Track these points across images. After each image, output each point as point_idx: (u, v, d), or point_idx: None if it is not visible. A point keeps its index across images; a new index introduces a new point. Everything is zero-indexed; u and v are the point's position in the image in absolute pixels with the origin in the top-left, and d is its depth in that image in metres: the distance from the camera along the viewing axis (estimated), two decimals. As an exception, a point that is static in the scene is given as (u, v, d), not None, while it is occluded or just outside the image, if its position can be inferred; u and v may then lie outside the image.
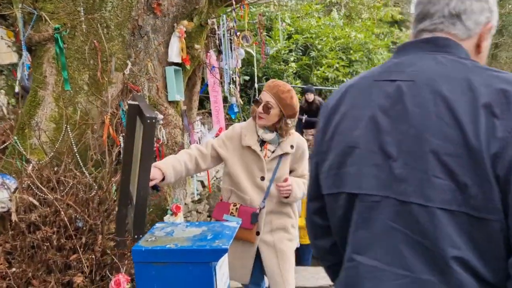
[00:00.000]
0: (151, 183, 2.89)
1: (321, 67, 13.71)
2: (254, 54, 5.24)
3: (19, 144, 3.62)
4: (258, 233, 3.35)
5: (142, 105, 2.95)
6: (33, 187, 3.37)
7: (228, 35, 4.53)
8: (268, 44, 5.28)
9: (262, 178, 3.30)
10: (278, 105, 3.21)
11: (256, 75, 12.65)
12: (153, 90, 4.08)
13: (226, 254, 2.28)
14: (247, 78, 12.53)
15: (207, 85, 4.94)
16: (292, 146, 3.37)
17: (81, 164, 3.55)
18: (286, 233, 3.44)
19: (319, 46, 14.05)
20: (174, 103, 4.27)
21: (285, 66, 13.23)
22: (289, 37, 13.79)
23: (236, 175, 3.30)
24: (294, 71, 13.55)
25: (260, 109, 3.25)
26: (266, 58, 5.46)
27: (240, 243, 3.32)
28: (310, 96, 10.02)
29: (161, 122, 3.90)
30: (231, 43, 4.56)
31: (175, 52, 4.06)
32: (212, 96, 4.84)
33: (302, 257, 5.72)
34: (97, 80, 3.90)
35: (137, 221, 2.81)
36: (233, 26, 4.57)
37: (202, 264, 2.32)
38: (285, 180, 3.30)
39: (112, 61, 3.76)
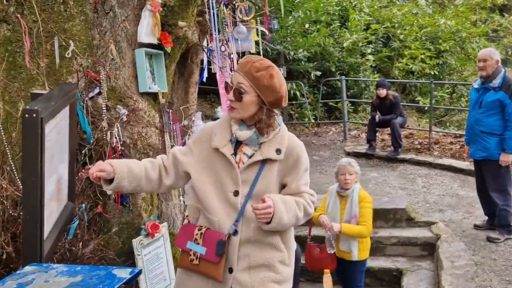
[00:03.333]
0: (100, 174, 2.23)
1: (403, 59, 12.22)
2: (259, 33, 4.17)
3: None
4: (231, 270, 2.37)
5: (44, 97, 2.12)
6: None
7: (219, 7, 3.58)
8: (273, 16, 4.25)
9: (236, 193, 2.35)
10: (253, 88, 2.24)
11: (328, 70, 11.57)
12: (121, 79, 3.24)
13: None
14: (318, 73, 11.46)
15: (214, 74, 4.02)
16: (278, 151, 2.36)
17: (14, 172, 2.81)
18: (272, 272, 2.42)
19: (401, 36, 12.54)
20: (150, 96, 3.40)
21: (361, 59, 11.95)
22: (367, 27, 12.46)
23: (201, 189, 2.39)
24: (373, 65, 12.21)
25: (230, 95, 2.29)
26: (274, 33, 4.40)
27: (210, 282, 2.37)
28: (383, 91, 8.71)
29: (124, 118, 3.05)
30: (224, 17, 3.61)
31: (146, 30, 3.19)
32: (221, 88, 3.93)
33: (351, 276, 4.64)
34: (54, 69, 3.16)
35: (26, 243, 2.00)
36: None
37: None
38: (263, 199, 2.27)
39: (71, 45, 2.98)
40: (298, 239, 4.70)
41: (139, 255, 3.24)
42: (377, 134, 9.57)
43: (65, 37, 3.19)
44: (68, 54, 2.88)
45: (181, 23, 3.38)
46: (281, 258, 2.45)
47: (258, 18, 4.13)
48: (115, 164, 2.31)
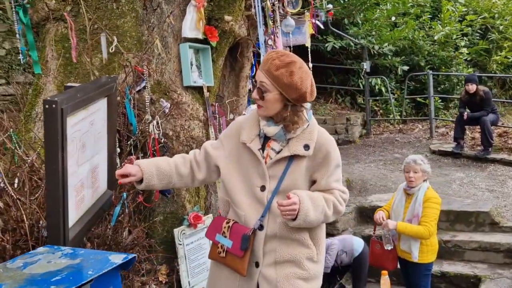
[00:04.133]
0: (125, 180, 2.35)
1: (501, 51, 11.30)
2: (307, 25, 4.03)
3: (14, 137, 3.24)
4: (257, 265, 2.37)
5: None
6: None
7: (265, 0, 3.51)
8: (319, 7, 4.03)
9: (262, 188, 2.33)
10: (274, 86, 2.20)
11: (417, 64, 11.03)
12: (167, 73, 3.34)
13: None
14: (406, 68, 10.97)
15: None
16: (306, 146, 2.31)
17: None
18: (298, 268, 2.38)
19: (501, 27, 11.60)
20: (195, 90, 3.46)
21: (454, 52, 11.24)
22: (462, 19, 11.69)
23: (230, 182, 2.42)
24: (467, 58, 11.43)
25: (254, 94, 2.29)
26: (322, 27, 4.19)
27: (238, 275, 2.40)
28: (472, 87, 8.13)
29: (166, 111, 3.14)
30: (273, 11, 3.55)
31: (190, 25, 3.25)
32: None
33: (414, 279, 4.45)
34: (107, 64, 3.34)
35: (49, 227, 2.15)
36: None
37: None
38: (288, 196, 2.23)
39: (114, 40, 3.13)
40: (367, 238, 4.59)
41: (180, 244, 3.32)
42: (466, 132, 8.95)
43: (118, 33, 3.35)
44: (112, 49, 3.02)
45: (227, 17, 3.40)
46: (309, 254, 2.40)
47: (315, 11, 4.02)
48: (143, 165, 2.39)
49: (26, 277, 1.69)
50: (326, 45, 10.30)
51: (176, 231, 3.32)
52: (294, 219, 2.24)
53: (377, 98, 10.86)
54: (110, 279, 1.82)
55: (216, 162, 2.47)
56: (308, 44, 4.22)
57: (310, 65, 3.82)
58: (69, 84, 2.56)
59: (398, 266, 4.60)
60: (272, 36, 3.57)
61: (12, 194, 2.88)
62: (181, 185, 2.58)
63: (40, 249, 2.01)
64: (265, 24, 3.62)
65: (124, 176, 2.36)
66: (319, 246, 2.47)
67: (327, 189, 2.38)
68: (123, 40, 3.37)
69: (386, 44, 10.64)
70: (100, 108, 2.63)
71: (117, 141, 3.08)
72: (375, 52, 10.57)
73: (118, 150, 3.08)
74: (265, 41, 3.55)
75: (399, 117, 10.80)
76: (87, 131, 2.50)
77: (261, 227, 2.33)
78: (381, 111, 11.06)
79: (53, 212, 2.18)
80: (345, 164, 8.62)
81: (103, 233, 2.91)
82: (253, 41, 3.78)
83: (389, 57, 10.94)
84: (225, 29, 3.48)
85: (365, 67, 10.12)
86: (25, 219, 2.81)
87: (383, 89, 10.73)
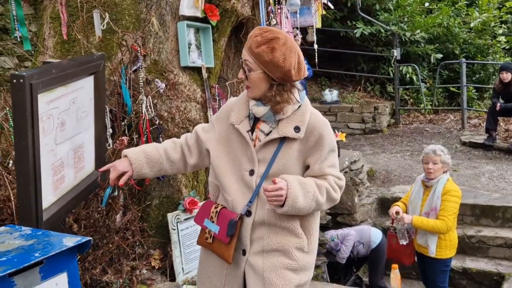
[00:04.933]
0: (122, 180, 2.24)
1: (543, 39, 10.74)
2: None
3: (10, 116, 3.21)
4: (244, 252, 2.25)
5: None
6: None
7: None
8: None
9: (251, 172, 2.20)
10: (257, 65, 2.06)
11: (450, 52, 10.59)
12: (164, 52, 3.22)
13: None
14: (439, 56, 10.54)
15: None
16: (297, 128, 2.16)
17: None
18: (286, 258, 2.24)
19: (544, 14, 11.01)
20: (194, 70, 3.33)
21: (491, 40, 10.74)
22: (501, 5, 11.14)
23: (219, 166, 2.29)
24: (506, 47, 10.91)
25: (240, 73, 2.15)
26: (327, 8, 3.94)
27: (225, 262, 2.28)
28: (507, 75, 7.72)
29: (161, 91, 3.03)
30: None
31: (188, 2, 3.11)
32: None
33: (431, 274, 4.27)
34: (105, 42, 3.25)
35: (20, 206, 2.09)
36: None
37: None
38: (273, 181, 2.10)
39: (106, 17, 3.04)
40: (387, 230, 4.45)
41: (174, 229, 3.23)
42: (500, 123, 8.53)
43: (116, 11, 3.26)
44: (103, 26, 2.92)
45: (229, -5, 3.26)
46: (299, 244, 2.25)
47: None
48: (131, 155, 2.29)
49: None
50: (355, 31, 10.00)
51: (170, 215, 3.23)
52: (282, 206, 2.10)
53: (408, 86, 10.49)
54: (64, 263, 1.72)
55: (207, 145, 2.35)
56: (318, 25, 4.01)
57: (316, 46, 3.64)
58: (47, 59, 2.48)
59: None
60: (278, 16, 3.40)
61: (2, 173, 2.85)
62: (174, 172, 2.46)
63: (1, 228, 1.94)
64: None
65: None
66: (311, 235, 2.31)
67: (321, 175, 2.22)
68: (121, 19, 3.27)
69: (418, 31, 10.24)
70: (83, 86, 2.54)
71: (109, 121, 3.00)
72: (407, 39, 10.19)
73: (111, 130, 3.00)
74: (269, 21, 3.38)
75: (430, 107, 10.41)
76: (67, 109, 2.42)
77: (248, 213, 2.20)
78: (411, 100, 10.68)
79: (23, 190, 2.11)
80: (370, 154, 8.37)
81: (90, 215, 2.84)
82: (258, 21, 3.62)
83: (422, 44, 10.53)
84: (227, 8, 3.33)
85: (395, 54, 9.78)
86: (12, 199, 2.78)
87: (414, 77, 10.34)
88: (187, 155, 2.38)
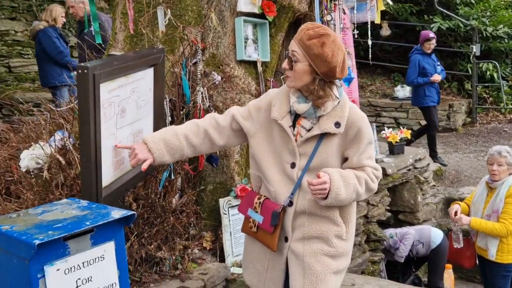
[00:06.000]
0: (144, 165, 2.30)
1: None
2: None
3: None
4: (286, 239, 2.40)
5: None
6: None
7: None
8: None
9: (293, 165, 2.34)
10: (305, 57, 2.19)
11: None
12: (222, 47, 3.41)
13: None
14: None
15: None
16: (337, 124, 2.27)
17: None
18: (326, 245, 2.38)
19: None
20: (250, 64, 3.48)
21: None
22: None
23: (260, 158, 2.42)
24: None
25: (284, 63, 2.29)
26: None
27: (269, 250, 2.45)
28: None
29: (216, 83, 3.22)
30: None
31: (245, -2, 3.28)
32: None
33: (490, 278, 4.22)
34: (170, 37, 3.50)
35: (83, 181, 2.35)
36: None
37: (16, 257, 1.74)
38: (318, 175, 2.22)
39: (168, 13, 3.28)
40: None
41: (225, 214, 3.43)
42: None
43: (180, 7, 3.49)
44: (165, 21, 3.16)
45: (285, -8, 3.38)
46: (338, 232, 2.38)
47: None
48: (151, 144, 2.32)
49: (37, 222, 1.89)
50: (432, 25, 9.69)
51: (221, 200, 3.43)
52: (325, 198, 2.22)
53: (487, 84, 10.01)
54: (112, 233, 1.95)
55: (246, 132, 2.42)
56: (377, 21, 4.02)
57: (370, 42, 3.65)
58: (112, 52, 2.74)
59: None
60: (335, 12, 3.47)
61: (73, 152, 3.19)
62: (196, 154, 2.54)
63: (63, 200, 2.22)
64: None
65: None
66: (349, 223, 2.43)
67: (359, 167, 2.33)
68: (184, 14, 3.50)
69: (501, 26, 9.74)
70: (143, 77, 2.78)
71: (168, 110, 3.23)
72: (488, 34, 9.72)
73: (170, 118, 3.24)
74: (324, 17, 3.46)
75: (511, 106, 9.89)
76: (128, 97, 2.67)
77: (290, 203, 2.34)
78: (491, 98, 10.20)
79: (85, 169, 2.37)
80: (441, 153, 8.13)
81: (148, 196, 3.10)
82: (315, 17, 3.70)
83: (506, 40, 10.00)
84: (284, 4, 3.45)
85: (474, 50, 9.37)
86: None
87: (495, 75, 9.86)
88: (215, 137, 2.41)
